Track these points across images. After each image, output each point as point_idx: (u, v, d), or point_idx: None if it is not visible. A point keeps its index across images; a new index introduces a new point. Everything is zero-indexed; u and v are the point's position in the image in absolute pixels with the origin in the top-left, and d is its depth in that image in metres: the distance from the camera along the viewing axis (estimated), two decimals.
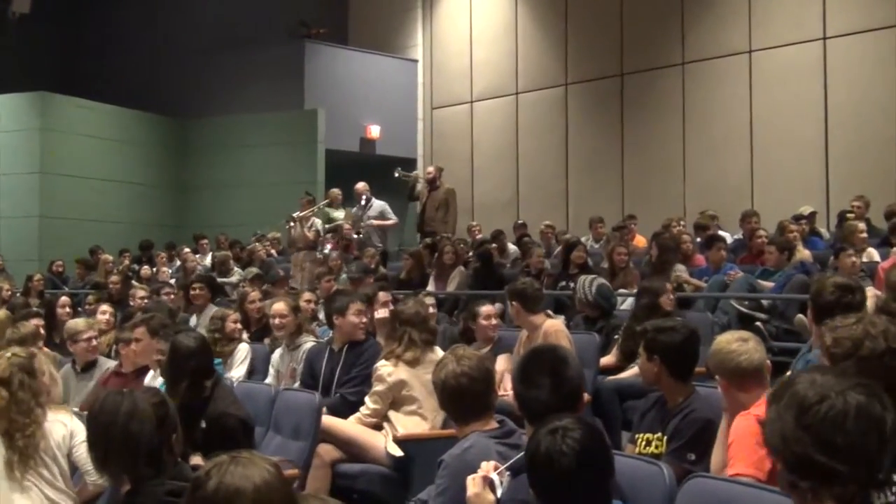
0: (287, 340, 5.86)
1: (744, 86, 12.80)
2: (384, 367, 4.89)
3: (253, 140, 15.62)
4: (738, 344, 3.20)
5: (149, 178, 15.93)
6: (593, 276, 6.76)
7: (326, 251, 11.22)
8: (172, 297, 8.67)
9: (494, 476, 2.54)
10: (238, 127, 15.77)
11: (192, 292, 7.94)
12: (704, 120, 13.24)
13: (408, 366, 4.89)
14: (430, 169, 11.39)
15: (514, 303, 5.54)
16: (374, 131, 16.25)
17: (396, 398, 4.88)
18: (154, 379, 5.15)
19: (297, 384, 5.49)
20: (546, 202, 14.73)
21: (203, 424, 4.11)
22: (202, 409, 4.14)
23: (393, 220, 11.68)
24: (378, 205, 11.64)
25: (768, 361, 3.25)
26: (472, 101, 16.22)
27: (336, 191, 12.89)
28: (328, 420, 4.78)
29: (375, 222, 11.47)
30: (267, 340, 6.76)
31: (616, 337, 6.08)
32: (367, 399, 4.92)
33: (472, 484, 2.56)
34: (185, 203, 16.27)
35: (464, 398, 3.02)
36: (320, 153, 15.22)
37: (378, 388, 4.87)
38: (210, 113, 16.15)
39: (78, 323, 6.02)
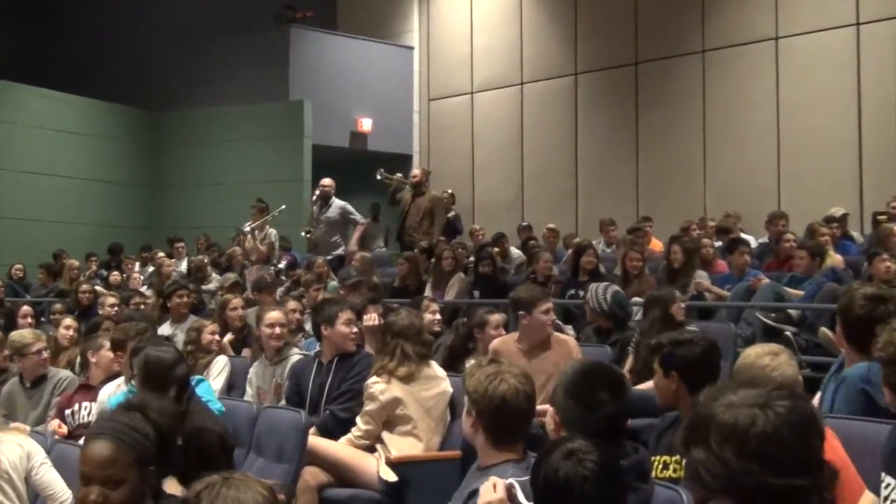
0: (270, 354, 5.85)
1: (769, 76, 12.82)
2: (376, 385, 4.88)
3: (233, 134, 15.63)
4: (769, 358, 3.19)
5: (119, 176, 15.93)
6: (606, 283, 6.75)
7: (282, 265, 11.09)
8: (143, 306, 8.65)
9: (516, 483, 2.52)
10: (217, 120, 15.78)
11: (175, 300, 7.94)
12: (727, 113, 13.25)
13: (401, 382, 4.89)
14: (416, 172, 11.29)
15: (522, 312, 5.52)
16: (366, 125, 16.26)
17: (390, 418, 4.87)
18: (117, 388, 5.13)
19: (281, 402, 5.49)
20: (553, 202, 14.75)
21: (179, 442, 4.12)
22: (180, 423, 4.16)
23: (361, 222, 11.48)
24: (339, 205, 11.38)
25: (801, 377, 3.25)
26: (472, 93, 16.23)
27: (328, 181, 12.89)
28: (315, 441, 4.77)
29: (356, 237, 11.31)
30: (247, 352, 6.75)
31: (630, 348, 6.08)
32: (358, 420, 4.91)
33: (492, 489, 2.54)
34: (158, 203, 16.27)
35: (517, 420, 2.97)
36: (306, 148, 15.22)
37: (370, 407, 4.86)
38: (186, 105, 16.16)
39: (24, 335, 5.95)
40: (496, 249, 11.03)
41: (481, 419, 2.96)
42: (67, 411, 5.54)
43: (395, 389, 4.87)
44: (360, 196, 16.53)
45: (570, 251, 10.05)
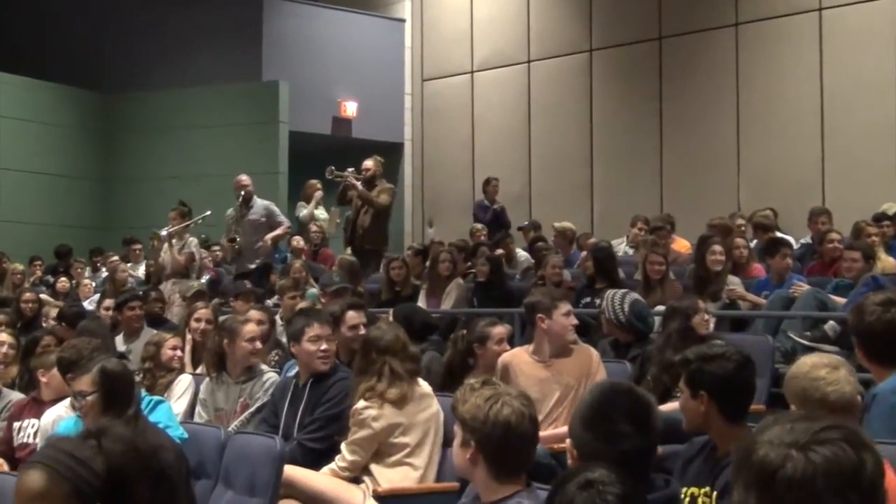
0: (238, 371, 5.86)
1: (812, 52, 12.84)
2: (367, 410, 4.86)
3: (197, 120, 15.64)
4: (826, 371, 3.20)
5: (66, 168, 15.94)
6: (624, 290, 6.77)
7: (204, 280, 10.99)
8: (100, 317, 8.67)
9: None
10: (179, 104, 15.79)
11: (126, 313, 7.98)
12: (764, 95, 13.28)
13: (394, 406, 4.89)
14: (368, 164, 11.17)
15: (540, 315, 5.55)
16: (351, 109, 16.27)
17: (381, 447, 4.87)
18: (66, 412, 5.14)
19: (248, 413, 5.51)
20: (565, 197, 14.77)
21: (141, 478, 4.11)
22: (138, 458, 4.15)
23: (284, 224, 11.29)
24: (262, 205, 11.13)
25: (860, 397, 3.25)
26: (472, 72, 16.26)
27: (314, 182, 12.87)
28: (291, 471, 4.77)
29: (270, 236, 11.12)
30: (201, 369, 6.77)
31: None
32: (343, 448, 4.89)
33: None
34: (111, 199, 16.27)
35: (524, 448, 2.98)
36: (283, 136, 15.24)
37: (359, 435, 4.84)
38: (144, 86, 16.15)
39: None
40: (500, 251, 11.03)
41: (482, 450, 2.94)
42: (16, 424, 5.62)
43: (390, 414, 4.86)
44: None
45: (584, 253, 10.06)
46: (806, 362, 3.27)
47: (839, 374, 3.22)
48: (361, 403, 4.90)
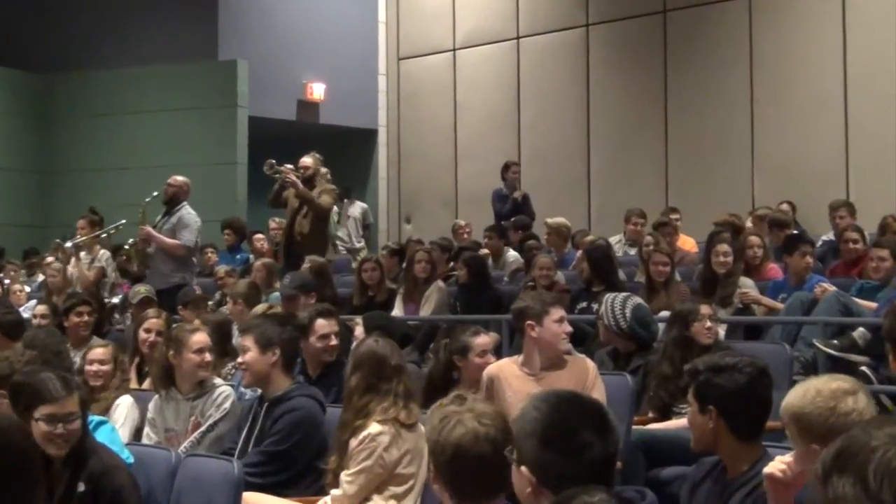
0: (189, 387, 5.85)
1: (835, 28, 12.89)
2: (382, 437, 4.82)
3: (147, 104, 15.60)
4: (843, 398, 3.19)
5: None
6: (625, 293, 6.78)
7: (117, 300, 10.61)
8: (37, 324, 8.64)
9: None
10: (126, 85, 15.75)
11: (73, 319, 7.96)
12: (780, 75, 13.32)
13: (408, 430, 4.89)
14: (307, 161, 11.02)
15: (530, 322, 5.55)
16: (318, 91, 16.27)
17: (386, 478, 4.86)
18: None
19: (199, 432, 5.52)
20: (559, 190, 14.77)
21: (82, 487, 4.11)
22: (82, 465, 4.16)
23: (182, 241, 10.57)
24: (183, 212, 10.74)
25: None
26: (454, 49, 16.26)
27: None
28: (252, 498, 4.76)
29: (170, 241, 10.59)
30: (146, 384, 6.75)
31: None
32: (343, 479, 4.79)
33: None
34: (49, 193, 16.21)
35: (481, 472, 2.97)
36: (241, 122, 15.22)
37: (367, 463, 4.76)
38: (85, 66, 16.10)
39: None
40: (485, 251, 11.04)
41: (440, 474, 3.00)
42: None
43: (403, 441, 4.85)
44: None
45: (580, 252, 10.07)
46: (815, 387, 3.23)
47: (859, 403, 3.20)
48: (376, 428, 4.83)
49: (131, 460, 4.87)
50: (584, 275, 8.83)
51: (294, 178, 10.56)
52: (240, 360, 5.49)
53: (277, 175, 10.75)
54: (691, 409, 3.73)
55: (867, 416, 3.15)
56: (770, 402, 3.70)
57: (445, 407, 3.09)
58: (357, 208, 14.61)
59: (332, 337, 6.19)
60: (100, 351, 6.36)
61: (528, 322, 5.44)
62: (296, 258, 10.21)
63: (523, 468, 2.84)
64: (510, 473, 2.97)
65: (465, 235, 12.56)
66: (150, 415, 5.93)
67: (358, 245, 14.29)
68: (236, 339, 7.60)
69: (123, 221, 11.51)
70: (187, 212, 10.79)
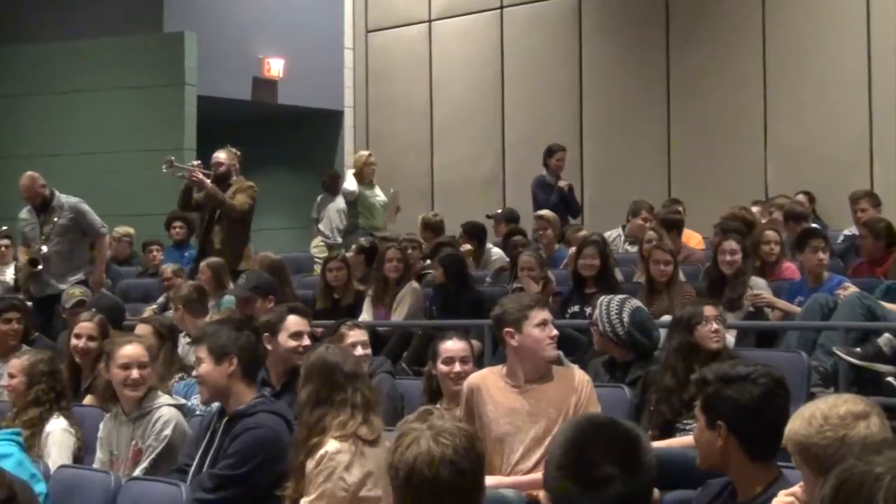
0: (128, 406, 5.83)
1: (858, 1, 12.94)
2: (340, 455, 4.81)
3: (81, 82, 15.53)
4: (854, 424, 3.19)
5: None
6: (623, 296, 6.79)
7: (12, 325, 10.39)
8: None
9: None
10: (55, 61, 15.65)
11: (2, 326, 8.00)
12: (797, 52, 13.36)
13: (371, 446, 4.87)
14: (220, 156, 10.88)
15: (509, 330, 5.54)
16: (276, 68, 16.22)
17: (352, 502, 4.84)
18: None
19: (138, 470, 5.49)
20: None
21: None
22: None
23: (102, 232, 10.48)
24: (69, 205, 10.48)
25: None
26: (430, 20, 16.25)
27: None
28: None
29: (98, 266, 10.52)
30: (89, 399, 6.72)
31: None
32: None
33: None
34: None
35: (438, 498, 2.98)
36: (189, 102, 15.16)
37: (326, 486, 4.74)
38: (8, 39, 16.02)
39: None
40: (466, 247, 11.03)
41: (395, 498, 3.01)
42: None
43: (368, 461, 4.83)
44: (271, 172, 16.47)
45: (571, 249, 10.07)
46: (821, 412, 3.23)
47: (872, 428, 3.21)
48: (333, 445, 4.81)
49: (44, 490, 4.86)
50: (577, 274, 8.80)
51: (200, 176, 10.38)
52: (194, 373, 5.46)
53: (180, 175, 10.58)
54: (698, 424, 3.75)
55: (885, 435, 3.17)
56: (786, 419, 3.68)
57: (408, 423, 3.10)
58: (341, 201, 14.57)
59: (306, 336, 6.18)
60: (15, 363, 6.31)
61: (506, 329, 5.43)
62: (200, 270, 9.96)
63: (541, 494, 2.86)
64: (476, 498, 2.99)
65: (436, 223, 12.26)
66: (100, 433, 5.91)
67: (340, 241, 14.22)
68: (181, 349, 7.63)
69: (5, 228, 11.42)
70: (73, 200, 10.57)
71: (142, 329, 7.21)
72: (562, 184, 12.54)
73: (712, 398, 3.68)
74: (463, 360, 5.99)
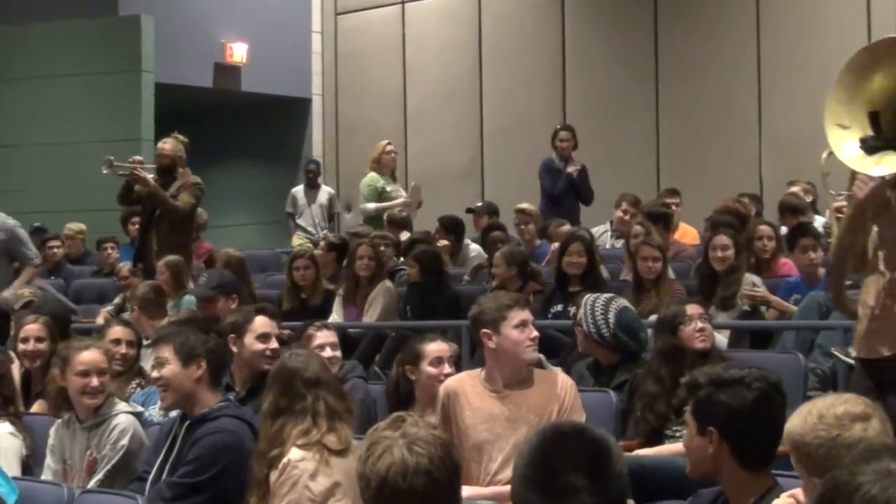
0: (84, 413, 5.82)
1: None
2: (304, 463, 4.80)
3: (30, 68, 15.49)
4: (850, 425, 3.21)
5: None
6: (609, 295, 6.80)
7: None
8: None
9: None
10: (2, 46, 15.61)
11: None
12: (792, 35, 13.39)
13: (338, 456, 4.86)
14: (164, 146, 10.81)
15: (486, 331, 5.54)
16: (239, 53, 16.20)
17: None
18: None
19: (93, 482, 5.46)
20: (529, 170, 14.68)
21: None
22: None
23: (33, 260, 10.27)
24: (8, 227, 10.06)
25: None
26: (403, 2, 16.24)
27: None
28: None
29: (15, 288, 10.20)
30: (40, 406, 6.68)
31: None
32: None
33: None
34: None
35: None
36: (146, 90, 15.14)
37: (291, 497, 4.70)
38: None
39: None
40: (443, 243, 11.02)
41: None
42: None
43: (334, 470, 4.81)
44: (234, 164, 16.46)
45: (554, 245, 10.08)
46: (819, 412, 3.26)
47: (871, 430, 3.23)
48: (296, 454, 4.81)
49: (13, 498, 4.84)
50: (560, 271, 8.81)
51: (143, 175, 10.27)
52: (156, 374, 5.36)
53: (122, 174, 10.48)
54: (688, 430, 3.75)
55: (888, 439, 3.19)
56: (783, 425, 3.70)
57: (379, 431, 3.10)
58: (324, 194, 14.53)
59: (274, 339, 6.16)
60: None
61: (484, 330, 5.43)
62: (149, 270, 10.03)
63: None
64: None
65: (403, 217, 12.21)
66: (51, 441, 5.89)
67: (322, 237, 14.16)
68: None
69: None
70: (6, 220, 10.11)
71: (118, 332, 7.19)
72: (570, 169, 12.29)
73: (703, 403, 3.68)
74: (450, 362, 6.01)
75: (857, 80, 5.02)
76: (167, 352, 5.26)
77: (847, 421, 3.22)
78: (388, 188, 12.53)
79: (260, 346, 6.09)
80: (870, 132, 4.92)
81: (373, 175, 12.54)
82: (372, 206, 12.35)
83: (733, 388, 3.65)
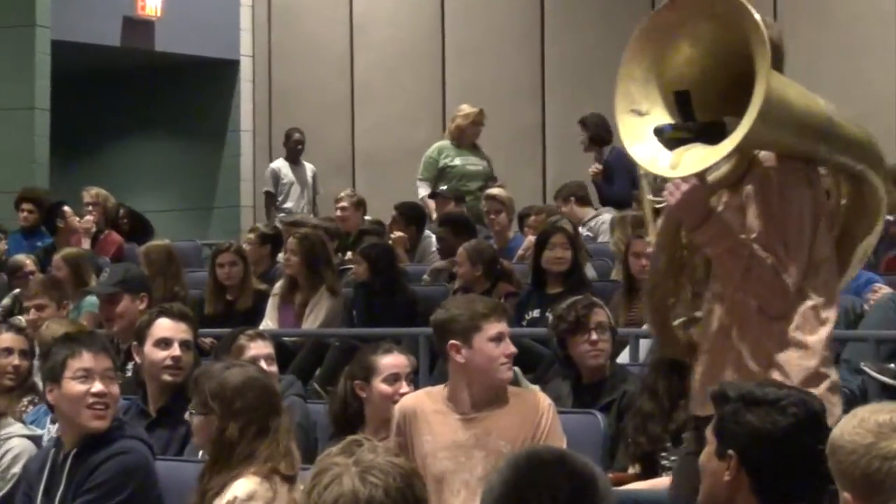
0: None
1: None
2: (258, 497, 4.80)
3: None
4: (889, 435, 3.22)
5: None
6: (592, 299, 6.82)
7: None
8: None
9: None
10: None
11: None
12: (810, 6, 13.50)
13: (288, 483, 4.85)
14: None
15: (454, 342, 5.52)
16: (153, 4, 16.15)
17: None
18: None
19: None
20: (501, 147, 14.78)
21: None
22: None
23: None
24: None
25: None
26: None
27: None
28: None
29: None
30: None
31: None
32: None
33: None
34: None
35: None
36: (42, 48, 15.09)
37: None
38: None
39: None
40: (397, 235, 11.02)
41: None
42: None
43: (282, 499, 4.81)
44: (147, 137, 16.44)
45: (530, 238, 10.10)
46: (860, 423, 3.29)
47: None
48: (245, 487, 4.79)
49: None
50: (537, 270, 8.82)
51: None
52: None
53: None
54: (707, 448, 3.74)
55: None
56: (816, 461, 3.61)
57: (330, 457, 3.12)
58: (308, 171, 14.49)
59: (176, 345, 6.10)
60: None
61: (452, 342, 5.42)
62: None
63: None
64: None
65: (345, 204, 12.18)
66: None
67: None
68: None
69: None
70: None
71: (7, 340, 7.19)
72: (591, 170, 12.44)
73: (727, 420, 3.67)
74: (407, 379, 6.00)
75: (658, 51, 4.67)
76: None
77: (888, 430, 3.23)
78: (458, 160, 12.55)
79: (159, 353, 6.03)
80: (675, 118, 4.46)
81: (440, 145, 12.61)
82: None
83: (764, 409, 3.63)
